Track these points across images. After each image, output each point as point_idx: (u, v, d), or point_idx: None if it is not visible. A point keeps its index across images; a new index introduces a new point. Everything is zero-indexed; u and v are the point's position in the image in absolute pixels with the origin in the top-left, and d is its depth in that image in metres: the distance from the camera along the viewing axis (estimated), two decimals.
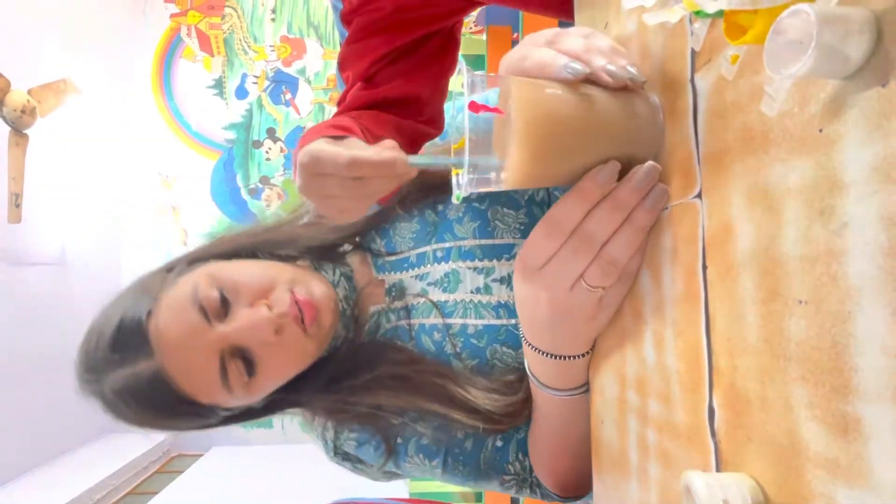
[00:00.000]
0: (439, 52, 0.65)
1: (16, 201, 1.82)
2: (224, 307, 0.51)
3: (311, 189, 0.44)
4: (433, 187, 0.59)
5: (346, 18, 0.64)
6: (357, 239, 0.63)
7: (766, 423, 0.21)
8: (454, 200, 0.32)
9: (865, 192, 0.17)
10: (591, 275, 0.33)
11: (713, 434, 0.25)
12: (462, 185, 0.31)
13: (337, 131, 0.47)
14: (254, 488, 2.08)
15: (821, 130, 0.19)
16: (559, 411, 0.46)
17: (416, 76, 0.64)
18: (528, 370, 0.45)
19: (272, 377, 0.53)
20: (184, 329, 0.49)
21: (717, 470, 0.25)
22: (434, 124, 0.67)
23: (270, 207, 2.46)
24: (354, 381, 0.55)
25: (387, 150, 0.40)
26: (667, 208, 0.31)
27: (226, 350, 0.50)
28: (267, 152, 2.49)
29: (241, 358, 0.51)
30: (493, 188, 0.32)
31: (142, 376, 0.49)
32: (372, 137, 0.60)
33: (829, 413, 0.18)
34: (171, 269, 0.56)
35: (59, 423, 1.87)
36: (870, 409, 0.16)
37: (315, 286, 0.55)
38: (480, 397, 0.51)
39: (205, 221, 2.49)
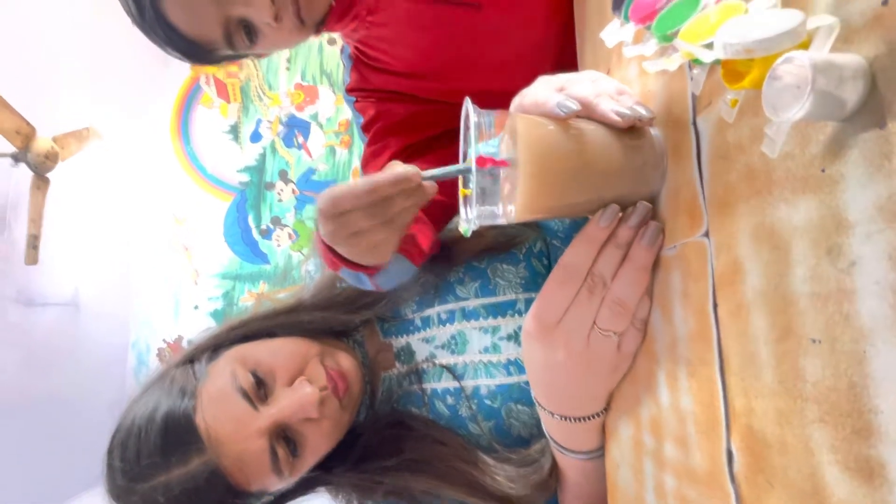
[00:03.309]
0: (451, 145, 0.70)
1: (33, 243, 1.86)
2: (262, 389, 0.50)
3: (337, 232, 0.43)
4: (436, 255, 0.59)
5: (365, 128, 0.70)
6: (369, 315, 0.62)
7: (787, 467, 0.21)
8: (462, 233, 0.32)
9: (871, 230, 0.17)
10: (602, 318, 0.33)
11: (733, 479, 0.24)
12: (470, 219, 0.31)
13: None
14: None
15: (823, 170, 0.19)
16: (583, 474, 0.45)
17: (430, 161, 0.68)
18: (546, 433, 0.44)
19: (315, 453, 0.52)
20: (234, 419, 0.48)
21: None
22: (454, 198, 0.71)
23: (281, 247, 2.48)
24: (383, 462, 0.54)
25: (398, 166, 0.41)
26: (674, 247, 0.31)
27: (273, 433, 0.49)
28: (279, 194, 2.54)
29: (284, 438, 0.50)
30: (500, 221, 0.32)
31: (198, 475, 0.47)
32: None
33: (851, 457, 0.17)
34: (193, 361, 0.55)
35: (68, 466, 1.84)
36: (894, 453, 0.16)
37: (342, 357, 0.55)
38: (506, 484, 0.50)
39: (216, 262, 2.52)
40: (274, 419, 0.49)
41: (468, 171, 0.31)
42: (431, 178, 0.38)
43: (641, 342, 0.34)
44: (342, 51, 0.72)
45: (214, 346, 0.57)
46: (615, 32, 0.30)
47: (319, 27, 0.61)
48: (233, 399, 0.49)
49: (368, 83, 0.69)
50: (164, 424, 0.48)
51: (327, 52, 2.64)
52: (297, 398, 0.49)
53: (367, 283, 0.53)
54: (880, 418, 0.16)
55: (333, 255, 0.49)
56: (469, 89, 0.68)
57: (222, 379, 0.50)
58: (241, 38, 0.56)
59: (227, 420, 0.48)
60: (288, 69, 2.64)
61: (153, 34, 0.55)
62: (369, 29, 0.63)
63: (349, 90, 0.71)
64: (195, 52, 0.57)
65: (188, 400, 0.49)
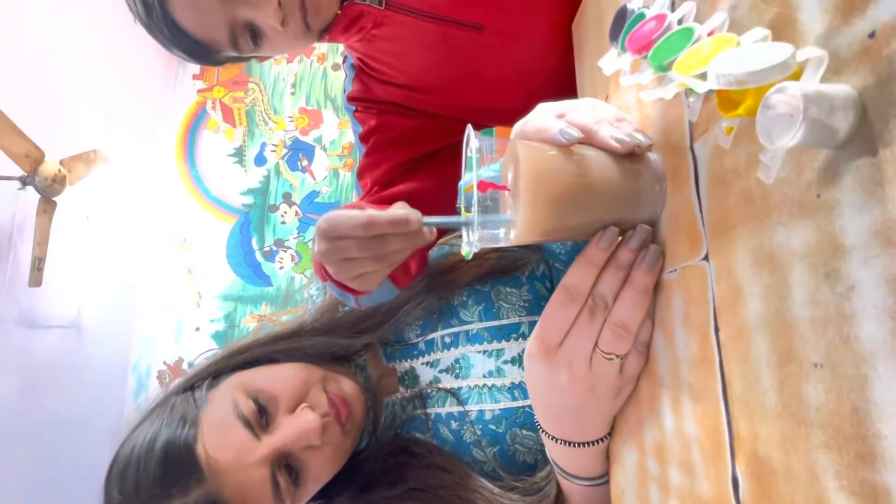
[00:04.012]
0: (450, 160, 0.71)
1: (38, 265, 1.87)
2: (263, 416, 0.50)
3: (331, 254, 0.44)
4: (437, 276, 0.60)
5: (364, 138, 0.71)
6: (371, 338, 0.62)
7: (793, 494, 0.21)
8: (464, 256, 0.33)
9: (868, 255, 0.17)
10: (604, 340, 0.33)
11: None
12: (472, 241, 0.32)
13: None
14: None
15: (819, 196, 0.19)
16: (589, 500, 0.44)
17: (428, 177, 0.69)
18: (550, 460, 0.44)
19: (316, 481, 0.52)
20: (236, 447, 0.48)
21: None
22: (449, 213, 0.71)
23: (284, 269, 2.49)
24: (387, 491, 0.53)
25: (400, 208, 0.41)
26: (674, 270, 0.31)
27: (274, 462, 0.49)
28: (282, 216, 2.56)
29: (286, 467, 0.49)
30: (501, 244, 0.33)
31: None
32: None
33: (856, 483, 0.17)
34: (193, 388, 0.54)
35: (67, 489, 1.81)
36: None
37: (344, 383, 0.55)
38: None
39: (218, 283, 2.53)
40: (276, 447, 0.48)
41: (469, 223, 0.31)
42: (432, 225, 0.38)
43: (644, 365, 0.34)
44: (344, 60, 0.73)
45: (215, 373, 0.56)
46: (613, 61, 0.31)
47: (323, 34, 0.61)
48: (234, 427, 0.48)
49: (371, 93, 0.70)
50: (164, 454, 0.47)
51: (331, 78, 2.69)
52: (299, 426, 0.49)
53: (351, 301, 0.54)
54: (884, 443, 0.16)
55: (324, 270, 0.49)
56: (470, 105, 0.69)
57: (223, 407, 0.50)
58: (246, 40, 0.56)
59: (228, 449, 0.48)
60: (293, 94, 2.69)
61: (158, 33, 0.56)
62: (374, 41, 0.64)
63: (350, 99, 0.72)
64: (199, 52, 0.58)
65: (189, 428, 0.49)
